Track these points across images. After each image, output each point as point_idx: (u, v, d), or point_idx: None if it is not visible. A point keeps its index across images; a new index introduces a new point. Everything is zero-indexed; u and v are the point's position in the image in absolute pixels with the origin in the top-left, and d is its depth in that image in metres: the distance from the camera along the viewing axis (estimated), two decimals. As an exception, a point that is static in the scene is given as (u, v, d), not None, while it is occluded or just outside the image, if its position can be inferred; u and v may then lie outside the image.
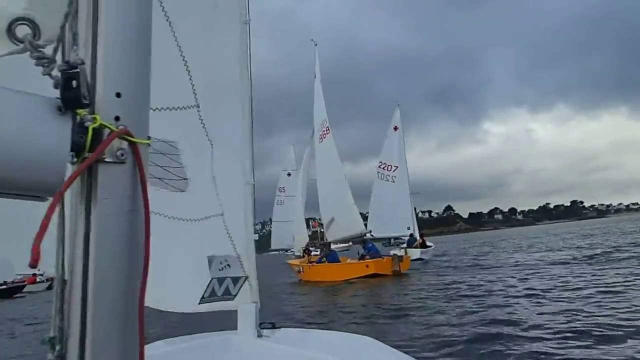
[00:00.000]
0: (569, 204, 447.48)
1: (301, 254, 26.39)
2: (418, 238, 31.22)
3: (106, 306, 0.72)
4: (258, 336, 2.56)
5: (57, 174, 0.68)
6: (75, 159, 0.72)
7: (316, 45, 26.75)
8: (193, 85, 2.38)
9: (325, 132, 24.26)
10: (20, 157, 0.66)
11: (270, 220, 40.14)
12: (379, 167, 33.41)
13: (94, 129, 0.72)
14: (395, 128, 34.28)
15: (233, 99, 2.68)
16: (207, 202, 2.55)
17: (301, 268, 22.94)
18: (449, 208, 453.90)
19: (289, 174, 39.76)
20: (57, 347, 0.71)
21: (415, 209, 33.59)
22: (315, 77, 26.14)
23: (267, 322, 2.68)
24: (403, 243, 31.38)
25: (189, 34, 2.35)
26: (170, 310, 2.54)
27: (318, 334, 3.25)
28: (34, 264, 0.59)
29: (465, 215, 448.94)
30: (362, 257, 20.58)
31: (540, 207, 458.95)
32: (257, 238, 2.84)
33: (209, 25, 2.55)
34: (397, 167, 33.13)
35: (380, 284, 17.03)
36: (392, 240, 33.43)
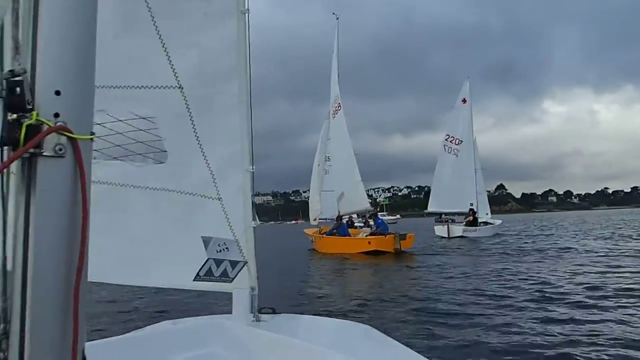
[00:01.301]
0: (629, 190, 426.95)
1: (317, 224, 27.25)
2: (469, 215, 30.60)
3: (44, 290, 0.77)
4: (256, 321, 2.61)
5: None
6: (11, 154, 0.77)
7: (337, 19, 26.33)
8: (173, 67, 2.42)
9: (337, 107, 24.62)
10: None
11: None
12: (445, 139, 32.94)
13: (31, 125, 0.76)
14: (464, 100, 33.47)
15: (229, 86, 2.68)
16: (201, 181, 2.60)
17: (313, 238, 24.05)
18: (501, 187, 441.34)
19: None
20: (2, 325, 0.78)
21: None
22: (333, 51, 25.97)
23: (267, 307, 2.72)
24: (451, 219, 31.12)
25: (175, 23, 2.41)
26: (166, 287, 2.73)
27: (317, 320, 3.24)
28: None
29: (518, 196, 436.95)
30: (373, 233, 20.82)
31: (597, 191, 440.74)
32: (256, 225, 2.86)
33: (200, 14, 2.55)
34: (462, 141, 32.41)
35: (376, 261, 17.24)
36: (442, 216, 32.68)
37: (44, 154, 0.78)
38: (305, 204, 30.55)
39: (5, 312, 0.79)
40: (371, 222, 23.40)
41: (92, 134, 0.85)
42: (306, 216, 29.61)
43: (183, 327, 2.64)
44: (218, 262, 2.69)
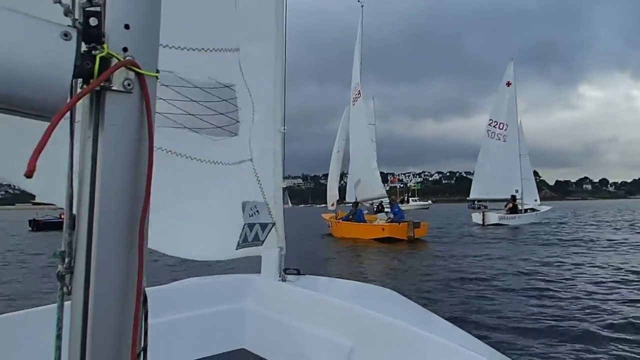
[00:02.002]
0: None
1: (334, 209, 27.07)
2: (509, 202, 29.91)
3: (110, 224, 0.77)
4: (282, 280, 2.61)
5: (61, 95, 0.72)
6: (84, 86, 0.76)
7: (362, 6, 26.15)
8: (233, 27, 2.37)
9: (357, 95, 24.89)
10: (27, 76, 0.70)
11: (345, 173, 38.93)
12: (489, 124, 32.10)
13: (101, 57, 0.75)
14: (508, 84, 32.49)
15: (267, 46, 2.65)
16: (237, 145, 2.53)
17: (330, 223, 24.47)
18: (534, 174, 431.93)
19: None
20: (67, 260, 0.78)
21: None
22: (356, 39, 26.02)
23: (292, 268, 2.73)
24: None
25: None
26: (213, 259, 2.64)
27: (340, 282, 3.22)
28: (29, 174, 0.63)
29: (551, 183, 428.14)
30: (395, 221, 20.84)
31: (635, 179, 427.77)
32: (285, 185, 2.84)
33: None
34: (507, 125, 31.52)
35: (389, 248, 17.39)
36: (475, 202, 32.93)
37: (113, 88, 0.77)
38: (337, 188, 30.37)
39: (70, 246, 0.79)
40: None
41: (157, 71, 0.84)
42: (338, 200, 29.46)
43: (215, 281, 2.69)
44: (251, 227, 2.68)
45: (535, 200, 33.90)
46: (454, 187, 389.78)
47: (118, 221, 0.79)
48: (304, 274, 2.80)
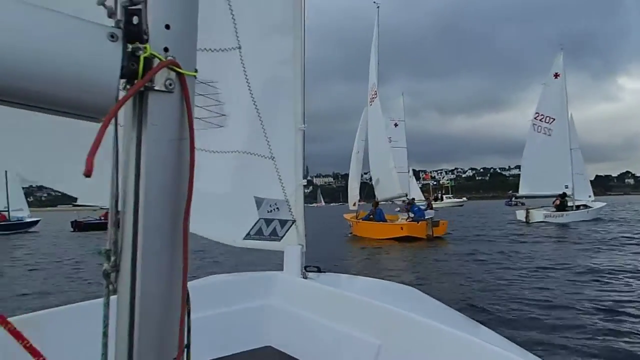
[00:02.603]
0: None
1: (356, 209, 26.76)
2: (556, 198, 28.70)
3: (154, 224, 0.79)
4: (304, 278, 2.63)
5: (108, 97, 0.74)
6: (128, 86, 0.78)
7: (378, 7, 26.22)
8: (235, 26, 2.40)
9: (373, 96, 25.09)
10: (74, 78, 0.72)
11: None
12: (535, 118, 30.98)
13: (145, 58, 0.77)
14: (556, 75, 31.08)
15: (282, 44, 2.65)
16: (255, 141, 2.61)
17: (351, 223, 24.64)
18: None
19: (395, 124, 37.56)
20: (112, 259, 0.80)
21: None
22: (373, 39, 26.09)
23: (312, 265, 2.76)
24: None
25: None
26: (215, 240, 2.73)
27: (361, 280, 3.24)
28: (87, 174, 0.65)
29: (592, 178, 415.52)
30: (415, 220, 21.11)
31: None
32: (306, 183, 2.86)
33: None
34: (554, 119, 30.39)
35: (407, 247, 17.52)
36: (512, 199, 31.29)
37: (155, 88, 0.78)
38: (366, 186, 30.39)
39: (116, 245, 0.80)
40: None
41: (196, 70, 0.86)
42: (367, 198, 29.60)
43: (240, 279, 2.71)
44: (268, 222, 2.73)
45: (590, 197, 32.19)
46: (488, 183, 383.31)
47: (162, 219, 0.80)
48: (324, 272, 2.81)
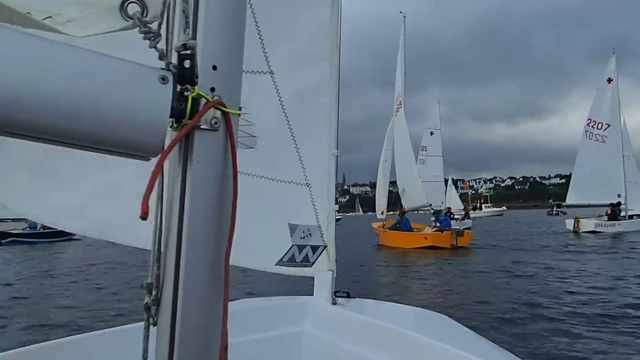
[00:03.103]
0: None
1: (384, 218, 27.40)
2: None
3: (197, 259, 0.81)
4: (333, 303, 2.62)
5: (158, 137, 0.76)
6: (175, 125, 0.81)
7: (405, 17, 26.77)
8: (265, 52, 2.42)
9: (398, 106, 25.67)
10: (126, 120, 0.74)
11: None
12: (587, 124, 30.31)
13: (192, 98, 0.79)
14: (609, 80, 30.37)
15: (319, 70, 2.68)
16: (289, 166, 2.64)
17: (378, 232, 25.20)
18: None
19: (431, 133, 37.90)
20: (154, 292, 0.82)
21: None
22: (399, 49, 26.48)
23: (342, 290, 2.74)
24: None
25: (269, 9, 2.38)
26: (247, 267, 2.72)
27: (391, 306, 3.19)
28: (144, 216, 0.68)
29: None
30: (440, 229, 21.56)
31: None
32: (338, 208, 2.95)
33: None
34: (608, 125, 29.58)
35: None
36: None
37: (201, 127, 0.81)
38: (392, 195, 30.25)
39: (158, 279, 0.82)
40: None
41: (240, 109, 0.88)
42: (394, 207, 29.72)
43: (270, 304, 2.73)
44: (301, 248, 2.73)
45: None
46: (528, 192, 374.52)
47: (204, 254, 0.81)
48: (354, 297, 2.80)
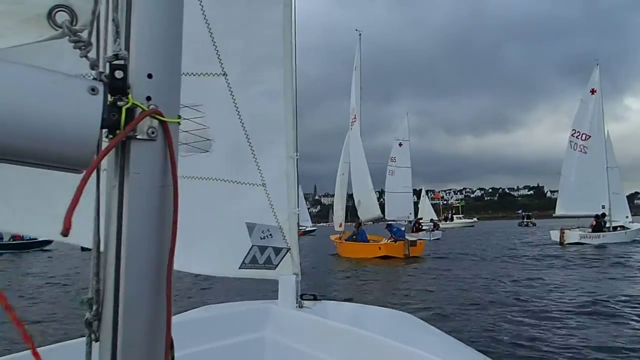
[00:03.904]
0: None
1: (342, 230, 28.00)
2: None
3: (137, 271, 0.79)
4: (299, 307, 2.63)
5: (89, 149, 0.74)
6: (110, 136, 0.79)
7: (360, 34, 27.56)
8: (218, 53, 2.43)
9: (353, 119, 26.51)
10: (55, 132, 0.72)
11: (383, 191, 38.78)
12: (572, 134, 30.34)
13: (127, 109, 0.78)
14: (593, 91, 30.46)
15: (274, 73, 2.69)
16: (244, 168, 2.62)
17: (336, 243, 25.88)
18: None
19: (400, 144, 37.82)
20: (94, 307, 0.79)
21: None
22: (354, 67, 27.28)
23: (308, 293, 2.74)
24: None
25: (222, 10, 2.42)
26: (212, 274, 2.77)
27: (358, 307, 3.23)
28: (65, 232, 0.65)
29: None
30: (394, 240, 22.22)
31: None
32: (299, 211, 2.87)
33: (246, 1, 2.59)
34: (589, 136, 29.67)
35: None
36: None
37: (137, 137, 0.79)
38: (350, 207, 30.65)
39: (98, 294, 0.80)
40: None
41: (179, 117, 0.86)
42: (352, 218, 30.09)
43: (232, 311, 2.67)
44: (262, 249, 2.72)
45: (627, 217, 30.69)
46: (497, 203, 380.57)
47: (145, 268, 0.80)
48: (320, 299, 2.78)
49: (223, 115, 2.55)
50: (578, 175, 28.96)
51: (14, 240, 32.37)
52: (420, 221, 36.82)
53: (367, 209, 25.56)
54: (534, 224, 76.74)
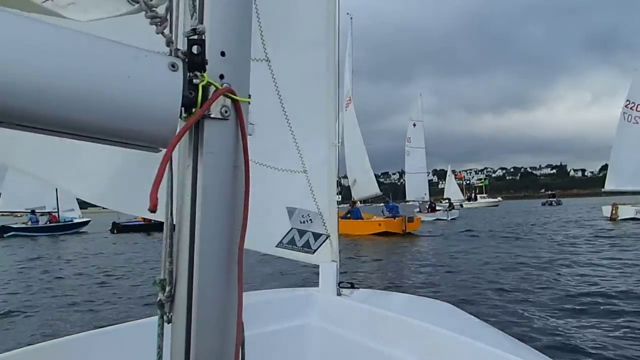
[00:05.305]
0: None
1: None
2: None
3: (210, 252, 0.78)
4: (338, 294, 2.64)
5: (169, 127, 0.74)
6: (185, 114, 0.79)
7: (352, 18, 27.83)
8: (263, 39, 2.40)
9: (348, 101, 27.15)
10: (136, 110, 0.71)
11: (403, 171, 38.96)
12: (626, 106, 28.79)
13: (202, 86, 0.77)
14: None
15: (316, 57, 2.66)
16: (286, 154, 2.63)
17: None
18: (605, 167, 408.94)
19: (414, 124, 38.35)
20: (168, 288, 0.79)
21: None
22: (347, 48, 27.87)
23: (346, 281, 2.75)
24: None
25: None
26: (249, 249, 2.40)
27: (395, 296, 3.26)
28: (153, 209, 0.65)
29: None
30: (393, 216, 22.86)
31: None
32: (340, 199, 3.14)
33: None
34: None
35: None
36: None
37: (211, 116, 0.78)
38: (394, 186, 30.69)
39: (171, 274, 0.79)
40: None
41: (249, 96, 0.86)
42: (395, 198, 30.04)
43: (276, 297, 2.70)
44: (301, 233, 2.73)
45: None
46: (520, 183, 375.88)
47: (218, 247, 0.79)
48: (357, 288, 2.80)
49: (265, 99, 2.54)
50: (633, 148, 27.21)
51: (50, 223, 33.28)
52: (450, 201, 37.11)
53: (364, 188, 25.93)
54: (559, 203, 75.05)
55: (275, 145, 2.64)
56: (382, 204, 27.43)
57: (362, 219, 24.31)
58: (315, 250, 2.78)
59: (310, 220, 2.76)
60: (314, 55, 2.67)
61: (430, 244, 18.03)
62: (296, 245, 2.75)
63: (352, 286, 2.78)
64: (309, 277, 8.98)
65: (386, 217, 23.18)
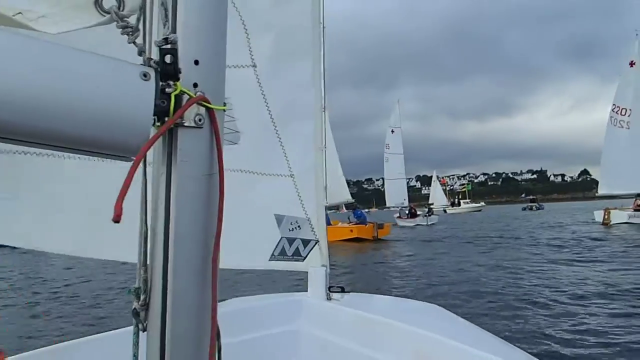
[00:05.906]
0: None
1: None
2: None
3: (185, 260, 0.78)
4: (328, 299, 2.61)
5: (141, 136, 0.73)
6: (158, 123, 0.78)
7: (324, 28, 27.82)
8: (249, 45, 2.41)
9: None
10: (108, 119, 0.71)
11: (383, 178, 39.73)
12: (613, 110, 28.99)
13: (175, 95, 0.77)
14: (632, 63, 28.78)
15: (303, 63, 2.68)
16: (273, 159, 2.61)
17: None
18: (584, 172, 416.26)
19: (392, 131, 38.76)
20: (142, 297, 0.79)
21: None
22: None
23: (336, 285, 2.73)
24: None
25: (253, 2, 2.39)
26: (242, 268, 2.72)
27: (385, 299, 3.24)
28: (116, 219, 0.65)
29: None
30: (361, 223, 23.50)
31: None
32: (327, 204, 2.99)
33: None
34: (630, 110, 28.08)
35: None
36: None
37: (185, 124, 0.78)
38: (378, 192, 31.05)
39: (146, 283, 0.80)
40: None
41: (225, 104, 0.86)
42: (379, 204, 30.30)
43: (265, 302, 2.69)
44: (290, 241, 2.70)
45: None
46: (501, 188, 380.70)
47: (192, 255, 0.79)
48: (348, 292, 2.77)
49: (251, 106, 2.52)
50: (623, 152, 27.33)
51: None
52: (432, 207, 37.51)
53: (336, 193, 25.92)
54: (541, 207, 75.11)
55: (262, 150, 2.62)
56: (348, 210, 28.04)
57: (331, 224, 24.14)
58: (305, 257, 2.76)
59: (299, 226, 2.73)
60: (300, 61, 2.67)
61: (394, 250, 18.93)
62: (287, 255, 2.72)
63: (343, 290, 2.76)
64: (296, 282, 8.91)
65: (352, 224, 23.74)
